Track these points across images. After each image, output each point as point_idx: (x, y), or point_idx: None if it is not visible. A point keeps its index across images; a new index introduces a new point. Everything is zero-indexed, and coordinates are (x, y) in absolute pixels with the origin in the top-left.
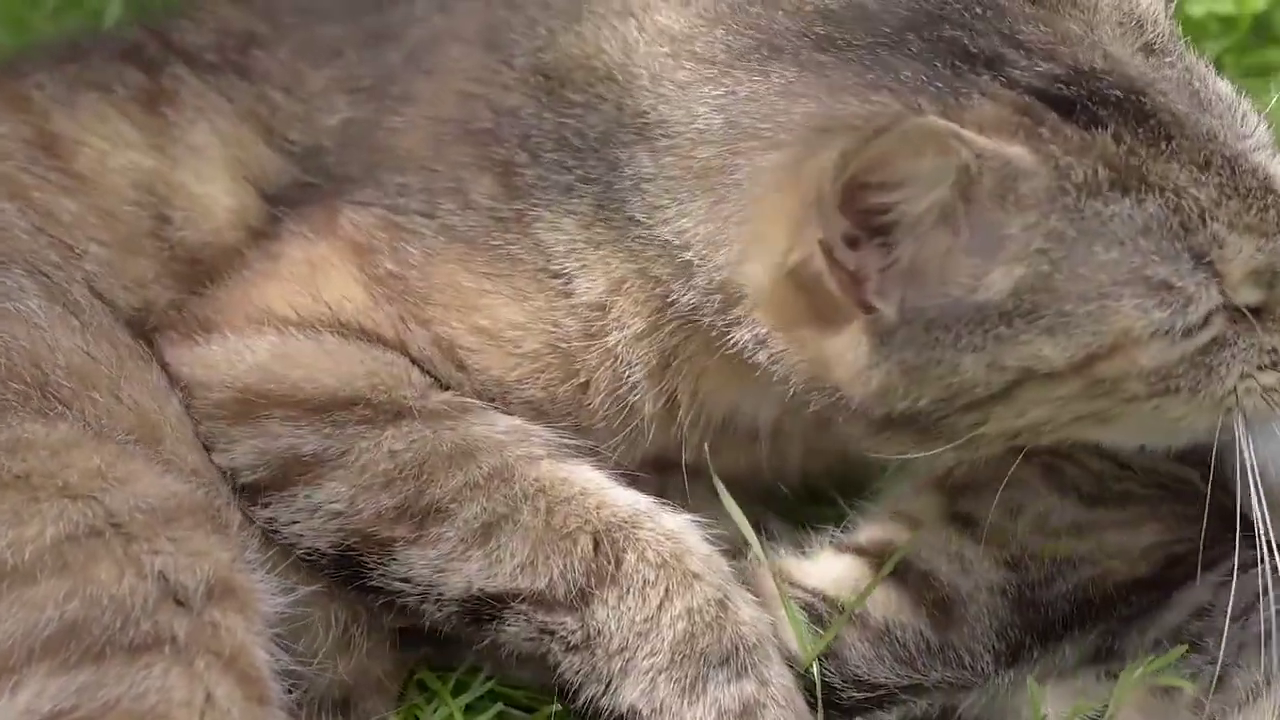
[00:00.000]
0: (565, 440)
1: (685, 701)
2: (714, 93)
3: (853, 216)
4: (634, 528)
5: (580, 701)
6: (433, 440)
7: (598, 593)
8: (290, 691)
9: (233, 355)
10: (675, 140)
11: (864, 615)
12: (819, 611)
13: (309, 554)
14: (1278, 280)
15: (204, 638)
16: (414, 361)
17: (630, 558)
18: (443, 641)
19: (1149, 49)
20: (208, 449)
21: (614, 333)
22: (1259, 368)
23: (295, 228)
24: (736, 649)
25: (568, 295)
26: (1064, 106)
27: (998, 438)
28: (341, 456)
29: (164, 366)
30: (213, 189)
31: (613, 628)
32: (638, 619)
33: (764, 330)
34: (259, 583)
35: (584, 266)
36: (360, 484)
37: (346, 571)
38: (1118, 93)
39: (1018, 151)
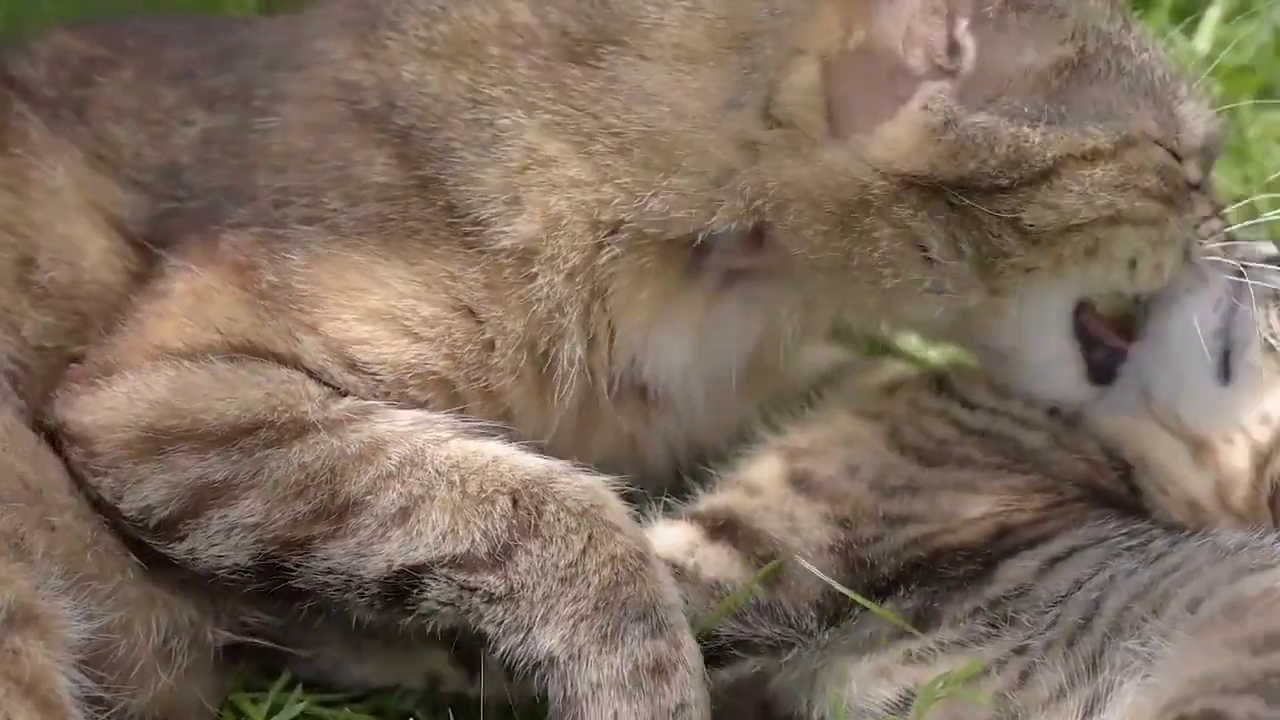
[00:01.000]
0: (472, 424)
1: (603, 649)
2: None
3: None
4: (550, 482)
5: (500, 652)
6: (340, 446)
7: (521, 544)
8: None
9: (133, 394)
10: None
11: (695, 572)
12: None
13: (232, 573)
14: (1208, 170)
15: (3, 665)
16: (310, 374)
17: (551, 507)
18: (263, 654)
19: None
20: (116, 498)
21: (541, 276)
22: (1189, 229)
23: (177, 262)
24: (655, 605)
25: (478, 247)
26: None
27: (1028, 235)
28: (253, 477)
29: (62, 425)
30: (78, 230)
31: (536, 576)
32: (561, 564)
33: (789, 161)
34: (63, 609)
35: (513, 210)
36: (275, 497)
37: (270, 580)
38: None
39: None
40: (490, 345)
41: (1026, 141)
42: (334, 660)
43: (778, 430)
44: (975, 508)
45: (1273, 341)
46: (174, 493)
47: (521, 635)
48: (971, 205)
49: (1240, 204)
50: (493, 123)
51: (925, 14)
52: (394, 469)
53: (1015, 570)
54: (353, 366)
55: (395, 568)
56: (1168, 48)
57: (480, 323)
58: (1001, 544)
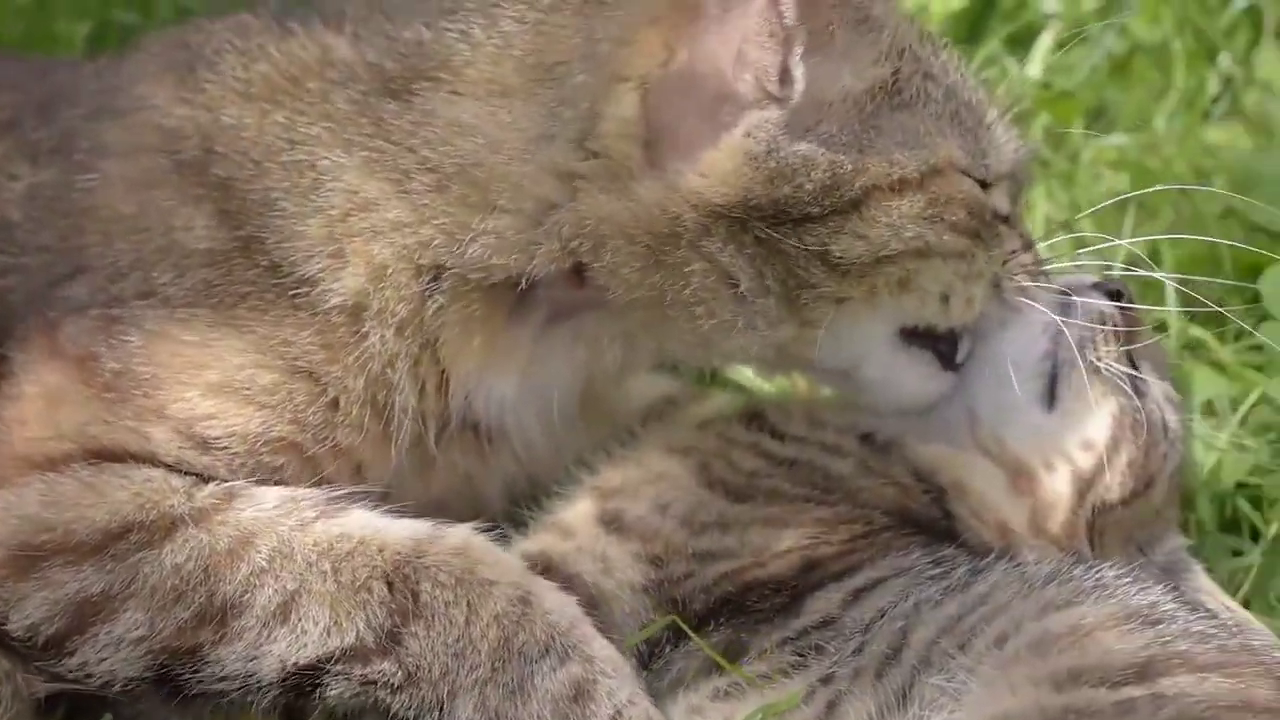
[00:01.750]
0: (334, 492)
1: (518, 702)
2: None
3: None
4: (419, 557)
5: None
6: (210, 543)
7: (405, 628)
8: None
9: (6, 511)
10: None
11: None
12: None
13: (128, 686)
14: (1018, 200)
15: None
16: (169, 467)
17: (425, 586)
18: (87, 702)
19: None
20: (2, 618)
21: (373, 333)
22: (1003, 263)
23: (23, 357)
24: (553, 638)
25: (309, 308)
26: None
27: (838, 267)
28: (129, 585)
29: None
30: None
31: (429, 657)
32: (450, 640)
33: (606, 193)
34: None
35: (338, 264)
36: (154, 605)
37: (167, 689)
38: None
39: None
40: (334, 405)
41: (840, 169)
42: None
43: (592, 470)
44: (783, 541)
45: (1099, 365)
46: (55, 610)
47: (437, 712)
48: (779, 239)
49: (1064, 232)
50: (313, 164)
51: (760, 37)
52: (265, 564)
53: (822, 603)
54: (205, 445)
55: (289, 668)
56: (1002, 74)
57: (321, 384)
58: (809, 577)
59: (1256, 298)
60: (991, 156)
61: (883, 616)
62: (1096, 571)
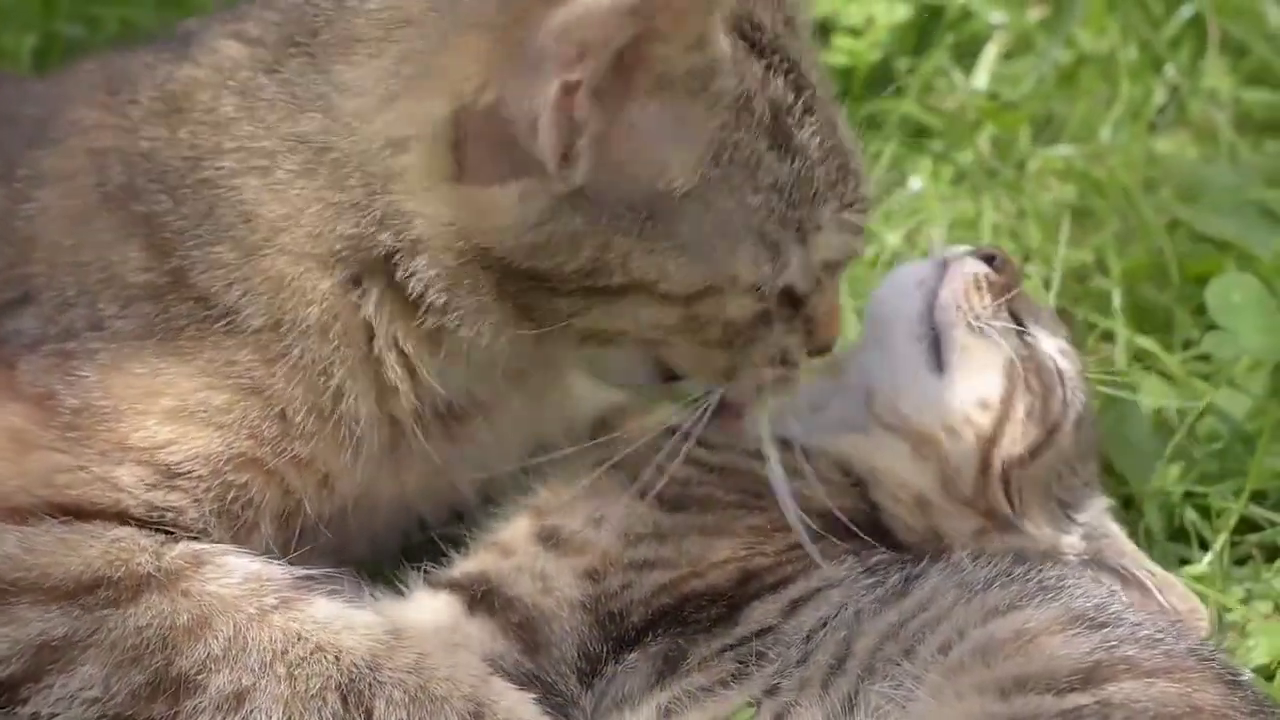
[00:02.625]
0: (300, 573)
1: None
2: None
3: (581, 63)
4: (375, 671)
5: None
6: (171, 614)
7: None
8: None
9: None
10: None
11: (467, 650)
12: None
13: None
14: (826, 279)
15: None
16: (139, 522)
17: (379, 705)
18: None
19: (790, 24)
20: None
21: (296, 343)
22: (769, 360)
23: None
24: None
25: (239, 329)
26: (749, 42)
27: (581, 334)
28: (91, 636)
29: None
30: None
31: None
32: None
33: (415, 192)
34: None
35: (247, 289)
36: (112, 662)
37: None
38: (784, 56)
39: (726, 49)
40: (283, 416)
41: (608, 256)
42: None
43: (530, 490)
44: (719, 551)
45: (975, 324)
46: (15, 649)
47: None
48: (530, 295)
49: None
50: (212, 180)
51: (554, 112)
52: (220, 652)
53: (759, 613)
54: (170, 476)
55: None
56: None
57: (268, 398)
58: (746, 589)
59: (1203, 308)
60: (797, 265)
61: (824, 626)
62: (1039, 572)
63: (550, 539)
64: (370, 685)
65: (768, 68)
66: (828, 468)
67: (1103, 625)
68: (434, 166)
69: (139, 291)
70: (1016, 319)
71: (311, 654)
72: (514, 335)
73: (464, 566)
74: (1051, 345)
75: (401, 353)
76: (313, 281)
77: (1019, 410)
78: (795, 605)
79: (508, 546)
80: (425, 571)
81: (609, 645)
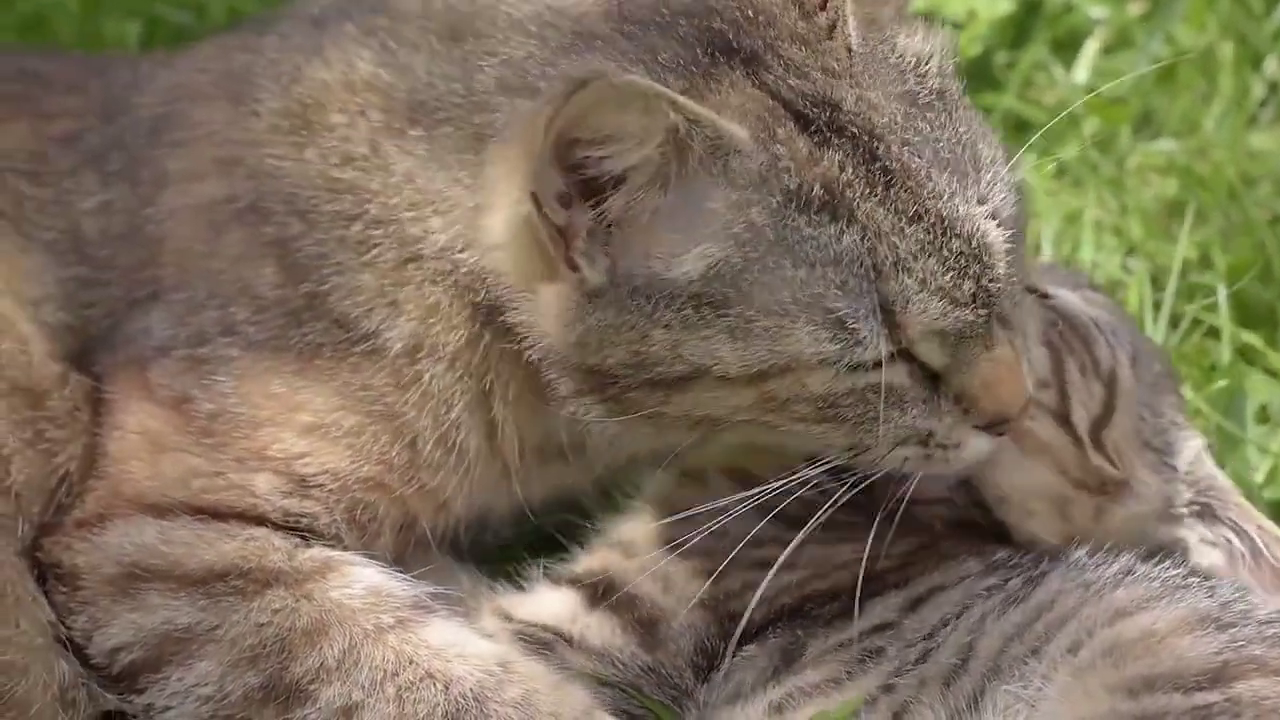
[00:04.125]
0: (421, 591)
1: None
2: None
3: (565, 173)
4: (481, 704)
5: None
6: (293, 613)
7: None
8: None
9: (123, 538)
10: (450, 113)
11: (583, 639)
12: (541, 639)
13: None
14: (961, 350)
15: None
16: (274, 525)
17: None
18: None
19: (910, 98)
20: (86, 638)
21: (428, 370)
22: (904, 440)
23: (116, 391)
24: None
25: (377, 353)
26: (803, 121)
27: (679, 421)
28: (213, 630)
29: (55, 566)
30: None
31: None
32: None
33: (509, 286)
34: None
35: (392, 313)
36: (229, 660)
37: None
38: (855, 130)
39: (735, 129)
40: (413, 445)
41: (651, 349)
42: None
43: (653, 483)
44: (842, 554)
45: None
46: (139, 636)
47: None
48: (604, 387)
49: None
50: (347, 213)
51: (549, 228)
52: (334, 663)
53: (880, 608)
54: (304, 485)
55: None
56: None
57: (399, 426)
58: (868, 587)
59: None
60: (876, 337)
61: (944, 625)
62: (1162, 570)
63: (673, 545)
64: (478, 713)
65: (821, 142)
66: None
67: (1229, 625)
68: (519, 268)
69: (274, 306)
70: (1030, 289)
71: (421, 680)
72: (617, 421)
73: (586, 563)
74: (1073, 298)
75: (506, 397)
76: (457, 309)
77: (1073, 373)
78: (917, 603)
79: (630, 546)
80: (545, 567)
81: (726, 641)
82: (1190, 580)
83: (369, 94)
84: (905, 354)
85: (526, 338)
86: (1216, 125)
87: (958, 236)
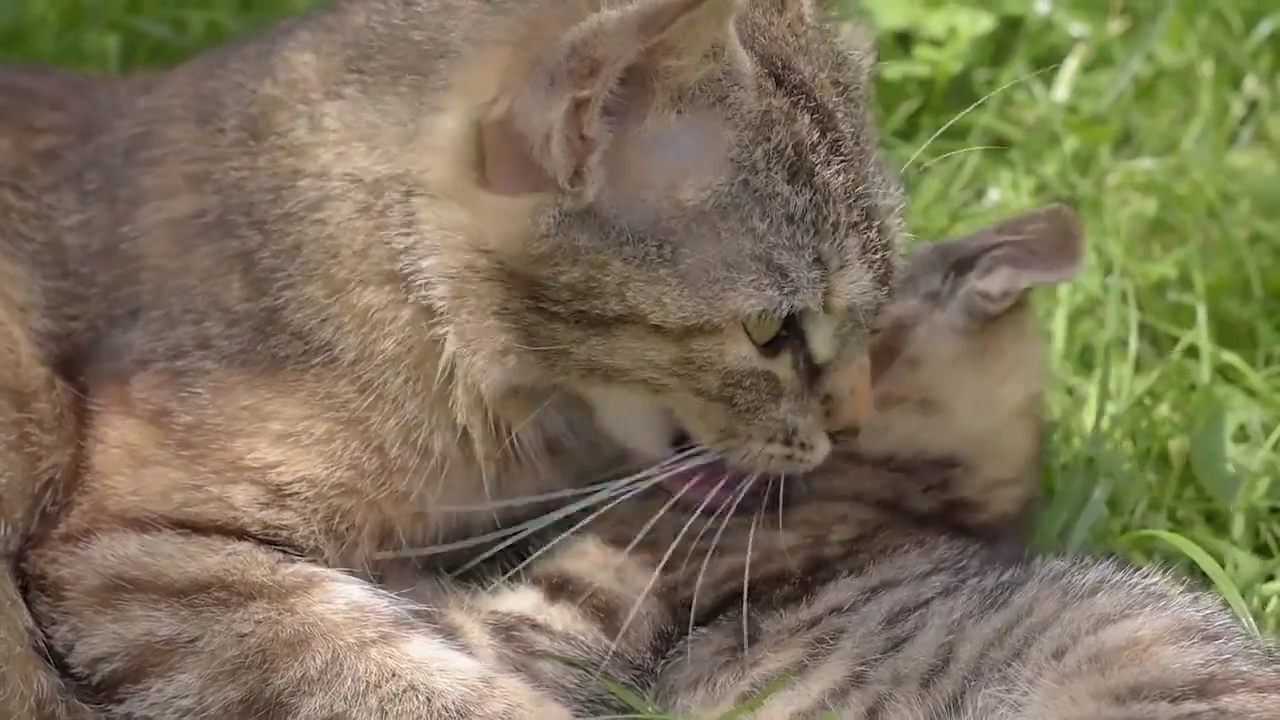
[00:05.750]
0: (405, 609)
1: None
2: None
3: (620, 81)
4: (464, 717)
5: None
6: (275, 624)
7: None
8: None
9: (107, 551)
10: (386, 42)
11: (548, 625)
12: (507, 624)
13: None
14: (847, 347)
15: None
16: (256, 540)
17: None
18: None
19: (838, 85)
20: (67, 647)
21: (378, 376)
22: (772, 434)
23: (99, 404)
24: None
25: (335, 362)
26: (777, 80)
27: (580, 364)
28: (194, 642)
29: (40, 577)
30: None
31: None
32: None
33: (438, 199)
34: None
35: (339, 326)
36: (209, 674)
37: None
38: (815, 100)
39: (749, 63)
40: (381, 450)
41: (605, 278)
42: None
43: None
44: (786, 539)
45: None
46: (120, 646)
47: None
48: (529, 312)
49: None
50: (294, 215)
51: (564, 129)
52: (316, 675)
53: (833, 593)
54: (280, 494)
55: None
56: (1029, 97)
57: (365, 431)
58: (818, 575)
59: None
60: (812, 294)
61: (905, 612)
62: (1143, 579)
63: (620, 541)
64: None
65: (794, 104)
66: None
67: (1215, 637)
68: (454, 174)
69: (244, 319)
70: None
71: (404, 692)
72: (521, 361)
73: (543, 567)
74: None
75: (468, 389)
76: (393, 312)
77: None
78: (871, 591)
79: (581, 551)
80: (503, 569)
81: (681, 626)
82: (1171, 591)
83: (309, 79)
84: (800, 339)
85: (446, 249)
86: (1196, 144)
87: (878, 227)
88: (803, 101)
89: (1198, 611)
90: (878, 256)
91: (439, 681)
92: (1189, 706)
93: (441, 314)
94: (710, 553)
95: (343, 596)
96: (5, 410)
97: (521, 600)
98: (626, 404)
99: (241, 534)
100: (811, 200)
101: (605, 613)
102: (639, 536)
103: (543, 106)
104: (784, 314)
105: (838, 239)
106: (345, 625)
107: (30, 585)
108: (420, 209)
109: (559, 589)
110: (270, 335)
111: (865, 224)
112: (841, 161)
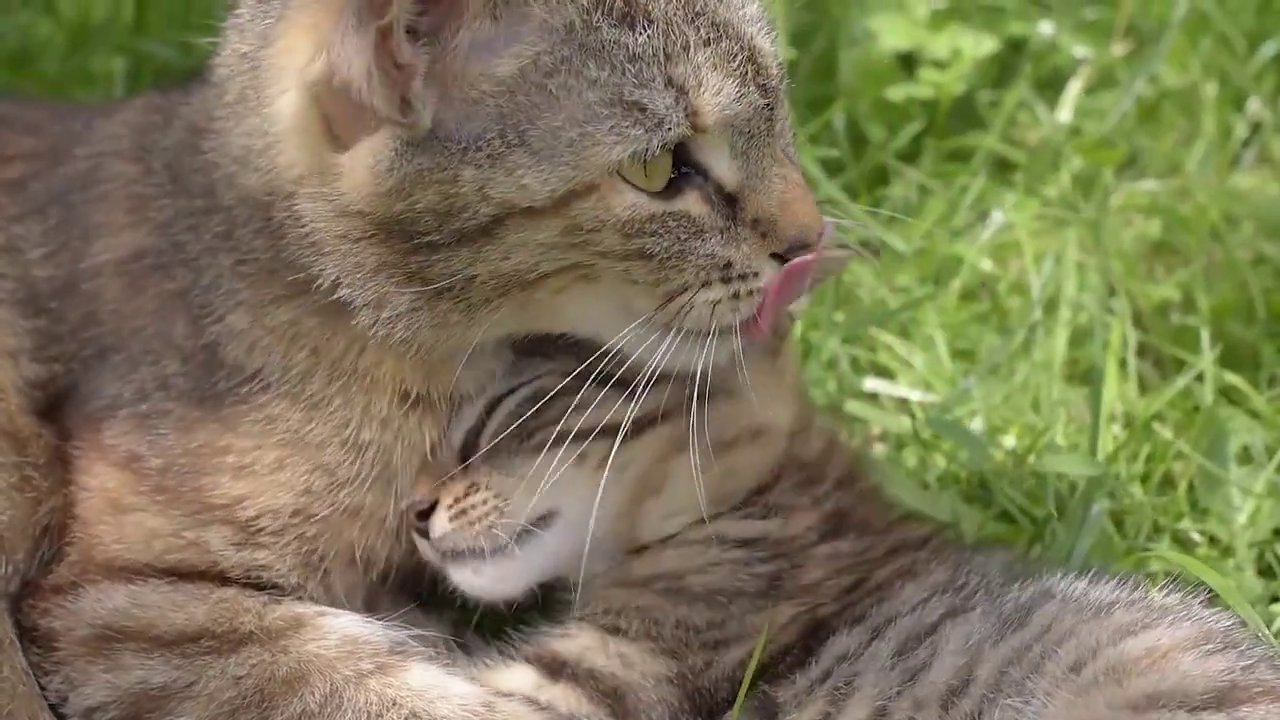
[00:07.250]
0: (398, 635)
1: None
2: None
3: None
4: None
5: None
6: (270, 665)
7: None
8: None
9: (95, 604)
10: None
11: (551, 706)
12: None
13: None
14: (753, 157)
15: None
16: (240, 584)
17: None
18: None
19: None
20: (61, 698)
21: (302, 387)
22: (708, 276)
23: (78, 448)
24: None
25: (269, 387)
26: None
27: (490, 287)
28: (189, 687)
29: (33, 629)
30: None
31: None
32: None
33: (304, 187)
34: None
35: (260, 351)
36: (207, 716)
37: None
38: None
39: None
40: (326, 468)
41: (461, 190)
42: None
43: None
44: (783, 614)
45: None
46: (115, 695)
47: None
48: (411, 253)
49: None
50: (211, 248)
51: (378, 65)
52: (316, 709)
53: (838, 646)
54: (249, 531)
55: None
56: (1032, 119)
57: (307, 449)
58: (818, 634)
59: None
60: (680, 119)
61: (917, 642)
62: (1161, 595)
63: (616, 631)
64: None
65: None
66: None
67: (1235, 645)
68: (311, 151)
69: (192, 356)
70: None
71: None
72: (433, 314)
73: (535, 648)
74: None
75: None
76: (306, 321)
77: None
78: (876, 632)
79: (573, 635)
80: (499, 646)
81: (701, 715)
82: (1190, 605)
83: (197, 120)
84: (701, 173)
85: (327, 230)
86: (1199, 165)
87: (732, 37)
88: None
89: (1218, 622)
90: (736, 63)
91: (440, 709)
92: (1206, 717)
93: (347, 302)
94: (715, 645)
95: (335, 632)
96: (5, 452)
97: (518, 679)
98: (576, 311)
99: (224, 578)
100: (650, 34)
101: (612, 695)
102: (635, 628)
103: (354, 50)
104: (656, 150)
105: (689, 59)
106: (340, 659)
107: (23, 636)
108: (302, 205)
109: (557, 669)
110: (213, 370)
111: (717, 36)
112: None
